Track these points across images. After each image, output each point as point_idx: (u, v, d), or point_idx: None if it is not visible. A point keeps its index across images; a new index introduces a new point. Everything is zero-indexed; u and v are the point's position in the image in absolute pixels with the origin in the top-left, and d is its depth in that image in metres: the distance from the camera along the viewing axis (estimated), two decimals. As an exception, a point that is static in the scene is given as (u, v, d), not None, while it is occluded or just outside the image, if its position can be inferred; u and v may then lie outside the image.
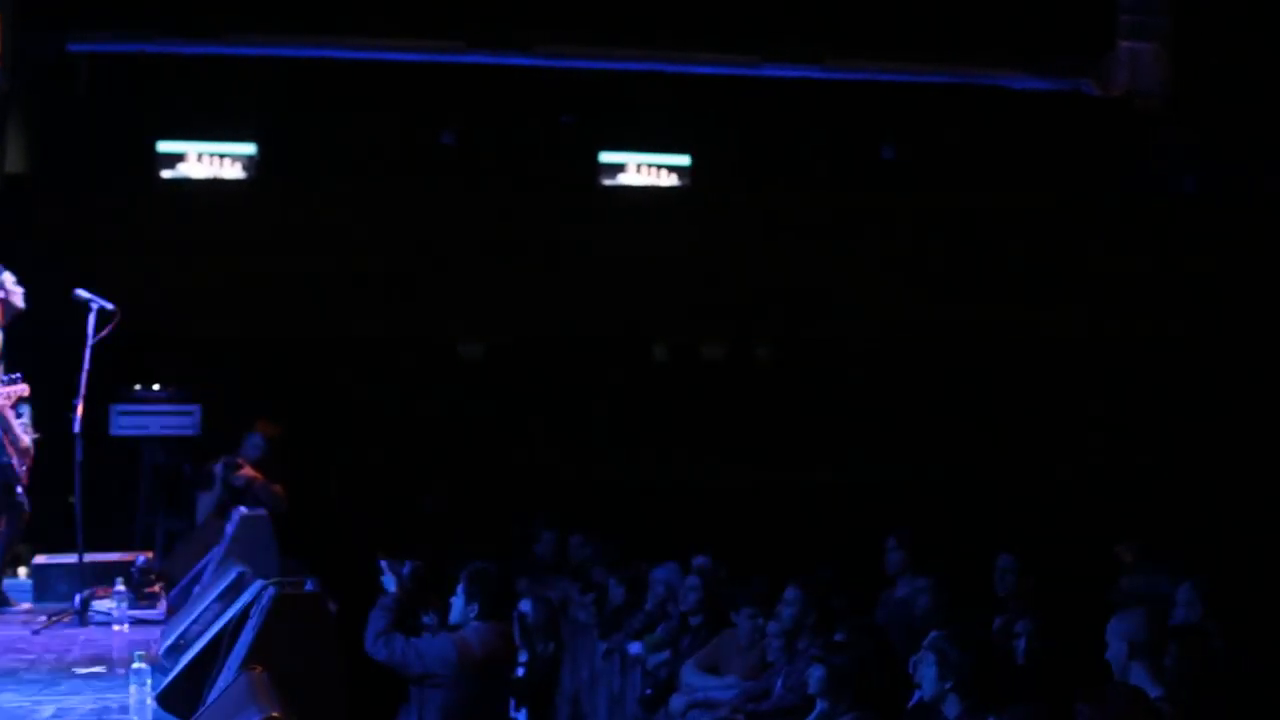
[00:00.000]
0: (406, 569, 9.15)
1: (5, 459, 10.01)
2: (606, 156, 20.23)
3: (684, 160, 20.40)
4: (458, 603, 9.16)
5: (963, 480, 17.97)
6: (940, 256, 18.75)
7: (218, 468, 12.45)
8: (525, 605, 11.80)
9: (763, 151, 20.20)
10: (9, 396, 10.07)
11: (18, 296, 10.24)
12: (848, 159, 20.45)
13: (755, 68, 20.35)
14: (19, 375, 10.18)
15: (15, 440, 10.07)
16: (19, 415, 10.34)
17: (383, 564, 9.18)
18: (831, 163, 20.31)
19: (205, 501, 12.35)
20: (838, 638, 8.77)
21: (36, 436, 10.39)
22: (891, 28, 19.95)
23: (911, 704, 8.28)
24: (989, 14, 20.09)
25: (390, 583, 9.14)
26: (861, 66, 20.49)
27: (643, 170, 20.23)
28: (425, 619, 10.52)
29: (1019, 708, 7.00)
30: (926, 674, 7.24)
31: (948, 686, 7.12)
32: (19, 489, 10.18)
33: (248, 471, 12.25)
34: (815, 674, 8.12)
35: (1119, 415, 19.02)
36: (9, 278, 10.26)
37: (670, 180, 20.33)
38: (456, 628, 9.14)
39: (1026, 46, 20.71)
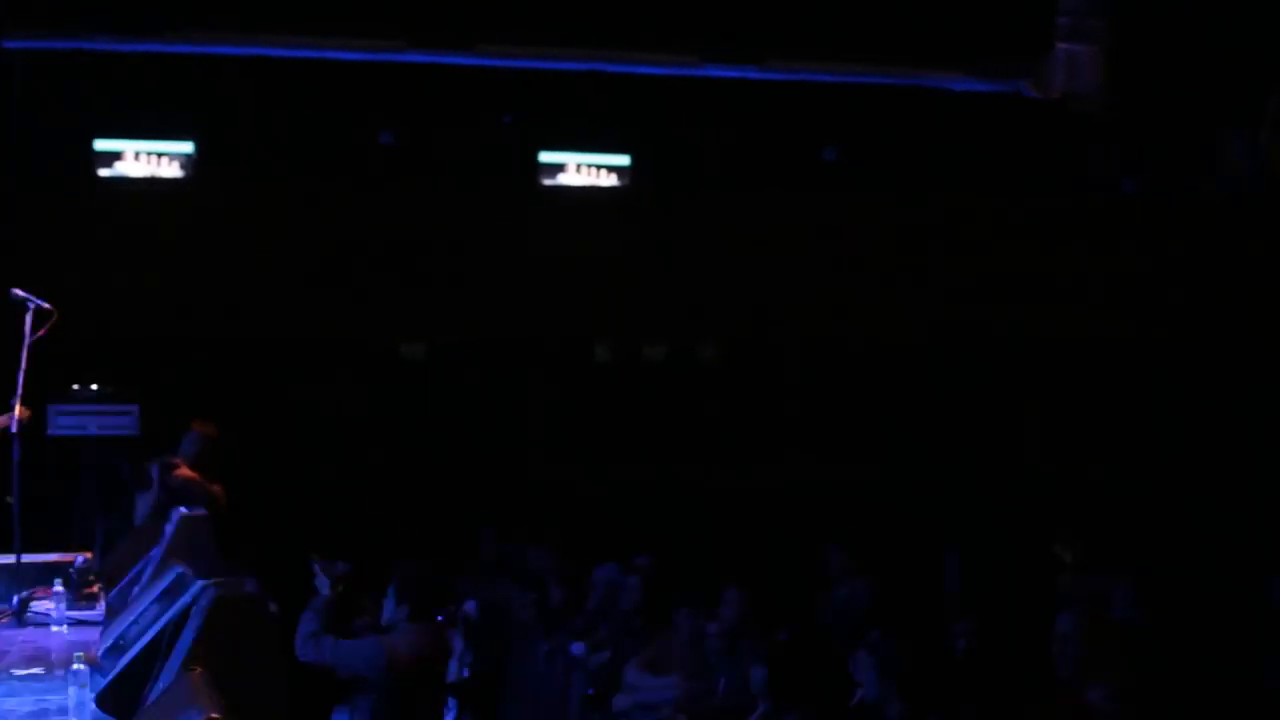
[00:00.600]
0: (339, 570, 9.11)
1: None
2: (546, 156, 20.21)
3: (624, 160, 20.40)
4: (388, 604, 9.12)
5: (904, 480, 18.02)
6: (881, 258, 18.79)
7: (154, 468, 12.36)
8: (470, 606, 11.77)
9: (703, 152, 20.21)
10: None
11: None
12: (788, 160, 20.49)
13: (695, 68, 20.38)
14: None
15: None
16: None
17: (315, 565, 9.14)
18: (772, 164, 20.34)
19: (143, 502, 12.24)
20: (779, 638, 8.78)
21: None
22: (832, 29, 19.99)
23: (853, 703, 8.30)
24: (928, 16, 20.18)
25: (323, 584, 9.09)
26: (802, 68, 20.54)
27: (583, 170, 20.22)
28: (358, 622, 10.50)
29: (960, 707, 7.02)
30: (868, 674, 7.24)
31: (890, 686, 7.12)
32: None
33: (184, 472, 12.13)
34: (757, 674, 8.12)
35: (1058, 414, 19.13)
36: None
37: (610, 180, 20.32)
38: (387, 629, 9.11)
39: (965, 48, 20.80)
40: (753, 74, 20.37)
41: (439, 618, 9.50)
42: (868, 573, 10.91)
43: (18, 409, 10.16)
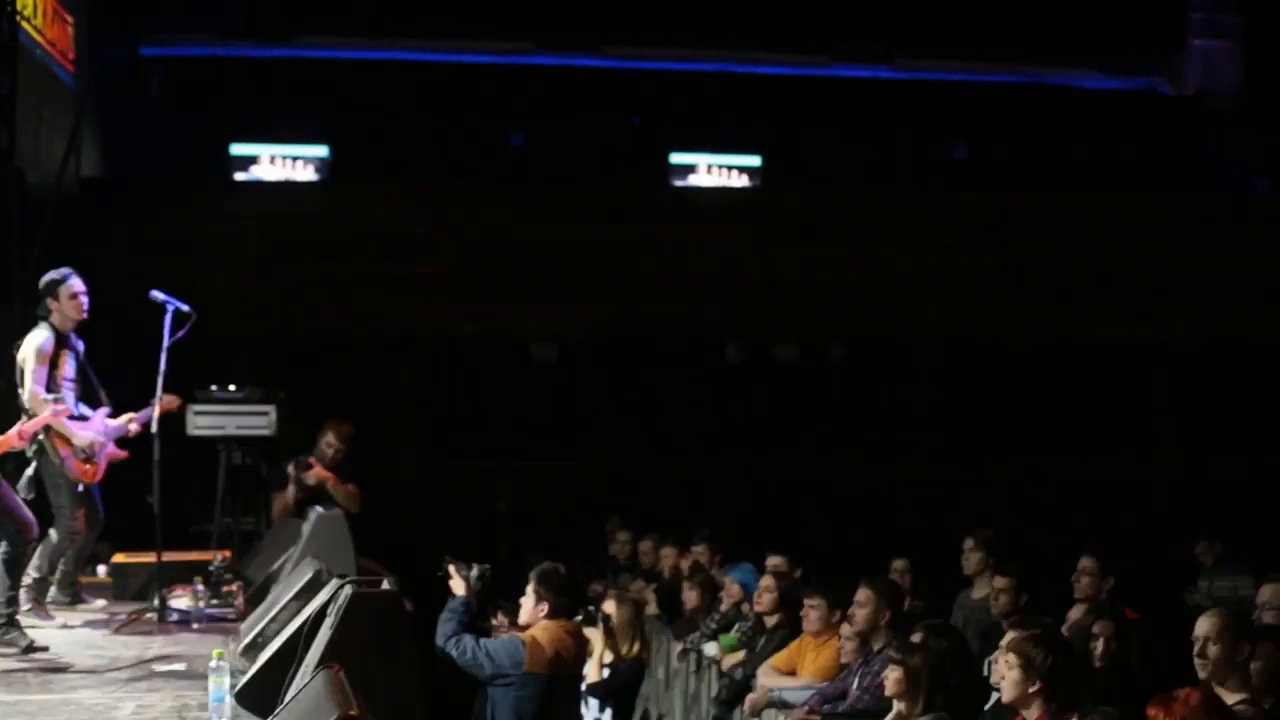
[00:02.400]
0: (474, 571, 9.12)
1: (58, 457, 10.00)
2: (677, 157, 20.26)
3: (754, 161, 20.40)
4: (527, 603, 9.14)
5: (1039, 479, 17.85)
6: (1012, 256, 18.62)
7: (291, 468, 12.48)
8: (609, 606, 11.75)
9: (833, 151, 20.15)
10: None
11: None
12: (919, 159, 20.40)
13: (825, 68, 20.34)
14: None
15: (70, 438, 10.04)
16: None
17: (450, 567, 9.16)
18: (903, 162, 20.26)
19: (280, 501, 12.40)
20: (914, 639, 8.68)
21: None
22: (962, 27, 19.89)
23: (988, 706, 8.21)
24: (1060, 13, 20.02)
25: (459, 584, 9.12)
26: (932, 66, 20.45)
27: (714, 171, 20.24)
28: (495, 620, 10.53)
29: (1100, 710, 6.90)
30: (1009, 675, 7.10)
31: (1032, 689, 6.98)
32: (81, 487, 10.20)
33: (319, 471, 12.25)
34: (892, 675, 8.04)
35: (1194, 414, 18.87)
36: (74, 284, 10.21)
37: (741, 181, 20.32)
38: (526, 628, 9.12)
39: (1098, 45, 20.63)
40: (883, 73, 20.30)
41: (577, 617, 9.48)
42: (1005, 572, 10.77)
43: (166, 398, 10.27)
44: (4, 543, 8.76)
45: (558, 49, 20.00)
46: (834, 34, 19.97)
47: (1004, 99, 20.55)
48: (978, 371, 18.71)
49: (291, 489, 12.24)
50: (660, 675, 12.42)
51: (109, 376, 10.61)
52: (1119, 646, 8.83)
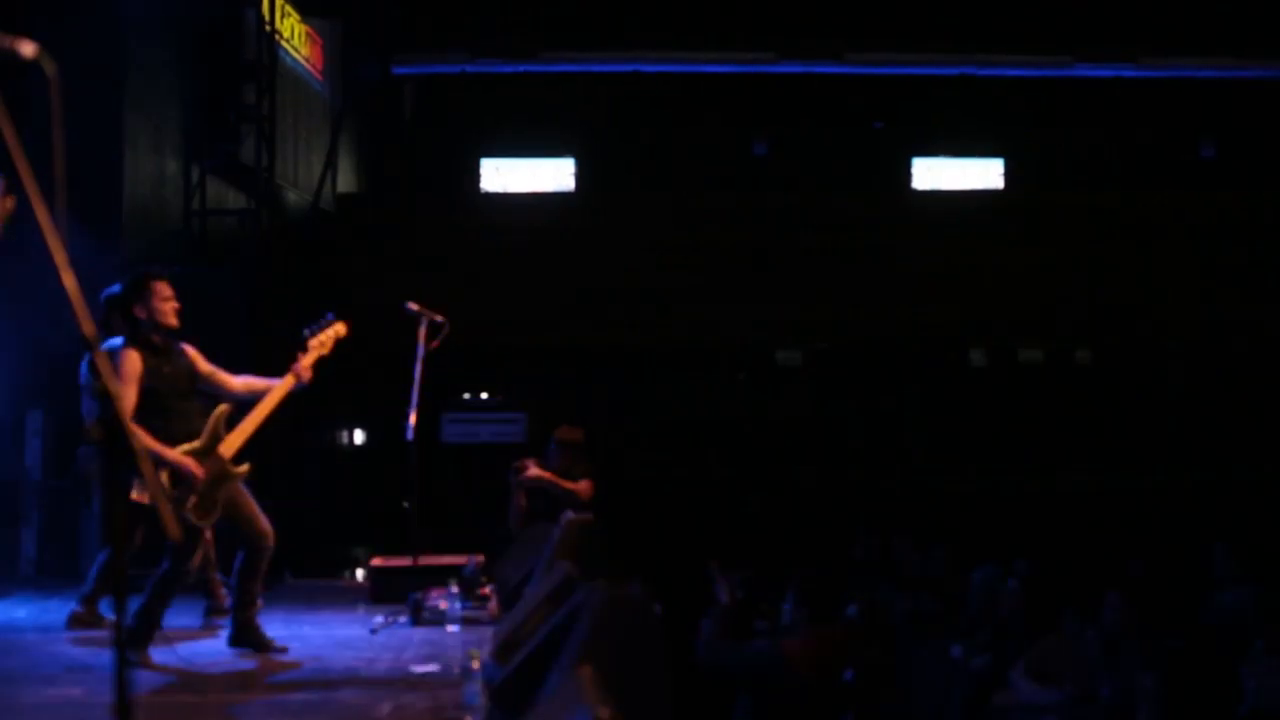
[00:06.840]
0: (738, 576, 9.20)
1: None
2: (919, 162, 20.21)
3: (997, 164, 20.28)
4: (787, 609, 9.19)
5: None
6: (1263, 256, 18.27)
7: (509, 472, 12.61)
8: (852, 610, 11.77)
9: (1077, 153, 19.95)
10: None
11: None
12: (1166, 158, 20.10)
13: (1068, 68, 20.13)
14: None
15: None
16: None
17: (714, 572, 9.24)
18: (1149, 162, 19.97)
19: (513, 505, 12.53)
20: (1172, 645, 8.59)
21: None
22: (1207, 23, 19.54)
23: (1243, 713, 8.12)
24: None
25: (722, 590, 9.20)
26: (1177, 64, 20.12)
27: (956, 175, 20.15)
28: (758, 625, 10.60)
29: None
30: (1261, 683, 7.00)
31: (1283, 699, 6.88)
32: None
33: (534, 472, 12.27)
34: (1145, 681, 7.97)
35: None
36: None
37: (984, 184, 20.21)
38: (786, 634, 9.18)
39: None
40: (1127, 72, 20.04)
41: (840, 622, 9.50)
42: (1255, 577, 10.60)
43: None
44: (244, 550, 8.86)
45: (800, 57, 20.06)
46: (1076, 33, 19.76)
47: (1252, 96, 20.14)
48: (1224, 374, 18.37)
49: (519, 492, 12.38)
50: (906, 679, 12.41)
51: (362, 384, 10.87)
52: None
